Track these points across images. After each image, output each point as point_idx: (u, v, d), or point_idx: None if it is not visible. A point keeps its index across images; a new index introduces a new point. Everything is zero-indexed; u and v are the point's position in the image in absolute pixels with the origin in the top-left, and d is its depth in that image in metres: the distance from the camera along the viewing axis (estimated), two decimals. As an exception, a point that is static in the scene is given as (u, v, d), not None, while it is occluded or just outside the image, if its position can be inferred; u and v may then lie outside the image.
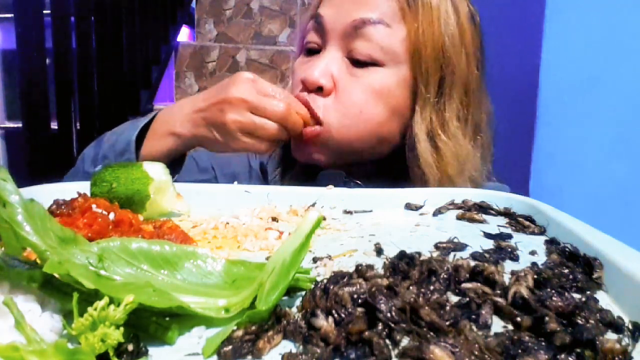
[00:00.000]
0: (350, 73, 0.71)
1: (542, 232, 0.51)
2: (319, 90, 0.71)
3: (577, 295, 0.35)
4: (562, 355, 0.27)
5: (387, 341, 0.28)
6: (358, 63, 0.71)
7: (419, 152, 0.71)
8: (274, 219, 0.54)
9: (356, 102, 0.70)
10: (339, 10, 0.71)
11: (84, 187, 0.54)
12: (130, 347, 0.27)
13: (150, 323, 0.30)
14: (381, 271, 0.38)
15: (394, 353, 0.28)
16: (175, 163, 0.73)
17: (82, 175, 0.72)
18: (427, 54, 0.70)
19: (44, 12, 1.31)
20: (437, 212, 0.58)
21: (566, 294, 0.33)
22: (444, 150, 0.71)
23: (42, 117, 1.31)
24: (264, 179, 0.85)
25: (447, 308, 0.31)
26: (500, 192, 0.62)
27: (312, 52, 0.75)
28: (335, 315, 0.30)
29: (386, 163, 0.76)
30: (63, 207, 0.46)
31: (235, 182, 0.67)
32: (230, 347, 0.28)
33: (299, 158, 0.75)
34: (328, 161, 0.73)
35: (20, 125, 1.31)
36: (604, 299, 0.36)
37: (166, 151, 0.71)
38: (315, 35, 0.74)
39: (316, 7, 0.76)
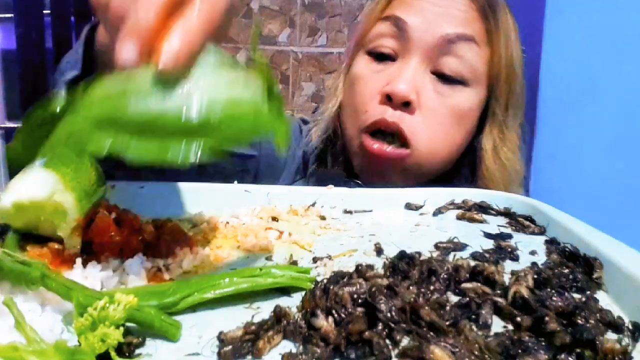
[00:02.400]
0: (436, 90, 0.68)
1: (542, 232, 0.51)
2: (405, 104, 0.66)
3: (577, 295, 0.35)
4: (562, 355, 0.27)
5: (387, 341, 0.28)
6: (444, 79, 0.68)
7: (487, 168, 0.71)
8: (274, 219, 0.54)
9: (444, 124, 0.68)
10: (427, 22, 0.67)
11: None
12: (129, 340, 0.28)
13: (155, 319, 0.30)
14: (381, 271, 0.38)
15: (394, 353, 0.28)
16: None
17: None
18: (504, 76, 0.70)
19: (44, 12, 1.31)
20: (437, 212, 0.57)
21: (566, 294, 0.33)
22: (508, 165, 0.72)
23: (42, 117, 1.31)
24: (304, 170, 0.80)
25: (447, 308, 0.31)
26: (500, 192, 0.62)
27: (384, 57, 0.70)
28: (335, 315, 0.30)
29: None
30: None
31: (235, 182, 0.67)
32: (230, 347, 0.28)
33: (368, 178, 0.71)
34: (399, 184, 0.69)
35: (20, 125, 1.30)
36: (604, 299, 0.36)
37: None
38: (393, 41, 0.69)
39: (386, 5, 0.71)
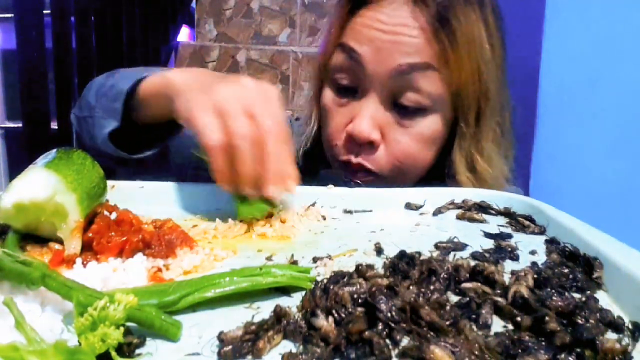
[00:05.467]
0: (398, 123, 0.68)
1: (542, 232, 0.51)
2: (368, 143, 0.68)
3: (577, 295, 0.35)
4: (562, 355, 0.27)
5: (387, 341, 0.28)
6: (405, 111, 0.67)
7: (459, 182, 0.70)
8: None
9: (410, 153, 0.69)
10: (378, 52, 0.65)
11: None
12: (129, 340, 0.28)
13: (155, 319, 0.30)
14: (381, 271, 0.38)
15: (394, 353, 0.28)
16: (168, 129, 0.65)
17: (85, 102, 0.70)
18: (468, 90, 0.67)
19: (44, 12, 1.31)
20: (437, 211, 0.57)
21: (566, 293, 0.33)
22: (483, 174, 0.71)
23: (42, 117, 1.31)
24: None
25: (447, 308, 0.31)
26: (500, 192, 0.62)
27: (345, 90, 0.70)
28: (335, 315, 0.30)
29: None
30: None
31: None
32: (230, 347, 0.28)
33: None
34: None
35: (20, 125, 1.30)
36: (604, 299, 0.36)
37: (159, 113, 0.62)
38: (350, 75, 0.69)
39: (339, 32, 0.69)
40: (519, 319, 0.31)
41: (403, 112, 0.67)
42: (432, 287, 0.34)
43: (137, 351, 0.28)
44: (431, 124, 0.68)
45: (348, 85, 0.70)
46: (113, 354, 0.26)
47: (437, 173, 0.73)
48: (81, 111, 0.72)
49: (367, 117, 0.67)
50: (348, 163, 0.70)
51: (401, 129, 0.68)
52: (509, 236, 0.49)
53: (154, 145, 0.67)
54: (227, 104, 0.50)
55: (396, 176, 0.70)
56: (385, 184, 0.69)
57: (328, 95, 0.72)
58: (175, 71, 0.61)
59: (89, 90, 0.72)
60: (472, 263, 0.38)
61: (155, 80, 0.62)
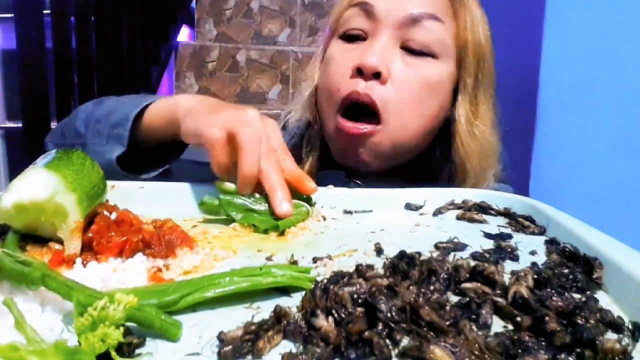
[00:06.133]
0: (405, 62, 0.70)
1: (542, 232, 0.51)
2: (375, 76, 0.68)
3: (577, 295, 0.35)
4: (562, 355, 0.27)
5: (387, 341, 0.28)
6: (413, 52, 0.70)
7: (461, 140, 0.72)
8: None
9: (415, 94, 0.70)
10: (392, 2, 0.70)
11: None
12: (129, 340, 0.28)
13: (155, 319, 0.30)
14: (381, 271, 0.38)
15: (394, 353, 0.28)
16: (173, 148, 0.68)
17: (72, 130, 0.71)
18: (470, 48, 0.72)
19: (44, 12, 1.31)
20: (437, 212, 0.58)
21: (566, 294, 0.33)
22: (481, 138, 0.73)
23: (42, 117, 1.31)
24: None
25: (447, 308, 0.31)
26: (500, 192, 0.62)
27: (355, 38, 0.73)
28: (335, 315, 0.30)
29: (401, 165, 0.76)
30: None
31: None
32: (230, 347, 0.28)
33: (344, 161, 0.73)
34: (374, 165, 0.72)
35: (20, 125, 1.30)
36: (604, 299, 0.36)
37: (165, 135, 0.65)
38: (362, 22, 0.72)
39: None
40: (519, 319, 0.31)
41: (411, 54, 0.70)
42: (432, 287, 0.35)
43: (137, 351, 0.28)
44: (437, 71, 0.71)
45: (358, 33, 0.72)
46: (113, 354, 0.26)
47: (439, 140, 0.75)
48: (64, 139, 0.72)
49: (377, 50, 0.69)
50: (352, 97, 0.69)
51: (408, 69, 0.70)
52: (509, 236, 0.49)
53: (156, 164, 0.68)
54: (233, 123, 0.54)
55: (400, 132, 0.70)
56: (388, 141, 0.70)
57: (335, 46, 0.75)
58: (183, 96, 0.64)
59: (75, 118, 0.72)
60: (472, 263, 0.38)
61: (166, 103, 0.65)
